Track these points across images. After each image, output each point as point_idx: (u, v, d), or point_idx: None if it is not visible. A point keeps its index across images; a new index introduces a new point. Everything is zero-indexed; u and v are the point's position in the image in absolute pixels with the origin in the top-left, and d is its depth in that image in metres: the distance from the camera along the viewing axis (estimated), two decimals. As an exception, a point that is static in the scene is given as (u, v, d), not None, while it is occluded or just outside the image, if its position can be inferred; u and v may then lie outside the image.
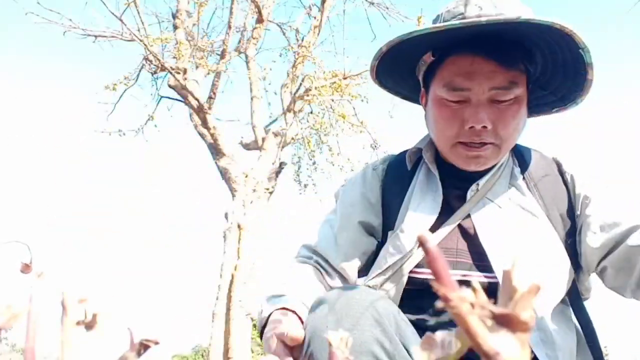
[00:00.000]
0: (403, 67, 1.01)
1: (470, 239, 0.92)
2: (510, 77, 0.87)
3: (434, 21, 0.95)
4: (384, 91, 1.10)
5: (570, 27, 0.81)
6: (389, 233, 1.00)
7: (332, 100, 5.61)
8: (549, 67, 0.96)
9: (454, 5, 0.92)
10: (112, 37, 5.68)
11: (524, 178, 0.98)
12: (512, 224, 0.92)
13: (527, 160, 1.01)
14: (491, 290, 0.88)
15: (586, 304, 0.96)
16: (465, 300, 0.19)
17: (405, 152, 1.08)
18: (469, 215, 0.95)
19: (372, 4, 6.63)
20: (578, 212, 0.95)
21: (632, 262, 0.85)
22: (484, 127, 0.87)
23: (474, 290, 0.19)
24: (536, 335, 0.83)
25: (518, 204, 0.95)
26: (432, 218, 0.94)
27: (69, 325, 0.25)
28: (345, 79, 5.53)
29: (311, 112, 6.29)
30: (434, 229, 0.94)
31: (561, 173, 0.99)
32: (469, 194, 0.96)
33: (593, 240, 0.90)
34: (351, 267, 1.01)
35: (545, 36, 0.86)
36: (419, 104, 1.06)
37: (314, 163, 6.73)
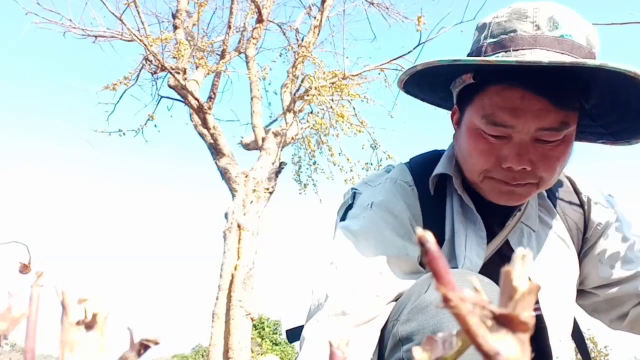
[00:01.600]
0: (435, 80, 0.90)
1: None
2: (563, 117, 0.76)
3: (480, 29, 0.85)
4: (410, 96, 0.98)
5: None
6: None
7: (332, 100, 5.61)
8: (606, 104, 0.85)
9: (505, 17, 0.80)
10: (112, 37, 5.68)
11: (548, 197, 0.95)
12: (547, 249, 0.91)
13: (555, 193, 0.97)
14: (537, 321, 0.88)
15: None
16: (466, 301, 0.19)
17: (417, 169, 0.96)
18: (506, 241, 0.91)
19: (372, 4, 6.62)
20: (588, 236, 0.94)
21: (624, 304, 0.90)
22: (524, 168, 0.78)
23: (474, 290, 0.19)
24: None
25: (549, 227, 0.93)
26: (482, 254, 0.88)
27: (69, 325, 0.25)
28: (345, 79, 5.53)
29: (311, 112, 6.30)
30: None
31: (577, 193, 0.97)
32: (510, 220, 0.90)
33: (600, 269, 0.92)
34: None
35: (612, 76, 0.74)
36: (446, 109, 0.98)
37: (314, 163, 6.74)
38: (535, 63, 0.70)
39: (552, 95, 0.74)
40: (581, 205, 0.96)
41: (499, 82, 0.77)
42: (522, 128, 0.76)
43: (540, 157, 0.78)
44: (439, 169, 0.92)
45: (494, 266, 0.85)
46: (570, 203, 0.96)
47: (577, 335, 0.95)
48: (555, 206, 0.95)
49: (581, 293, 0.97)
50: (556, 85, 0.74)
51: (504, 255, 0.89)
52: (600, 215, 0.94)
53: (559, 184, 0.98)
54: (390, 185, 0.93)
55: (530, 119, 0.75)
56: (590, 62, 0.71)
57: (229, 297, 4.85)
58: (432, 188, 0.92)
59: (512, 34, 0.78)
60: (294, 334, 1.00)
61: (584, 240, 0.95)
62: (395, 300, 0.80)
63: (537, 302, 0.84)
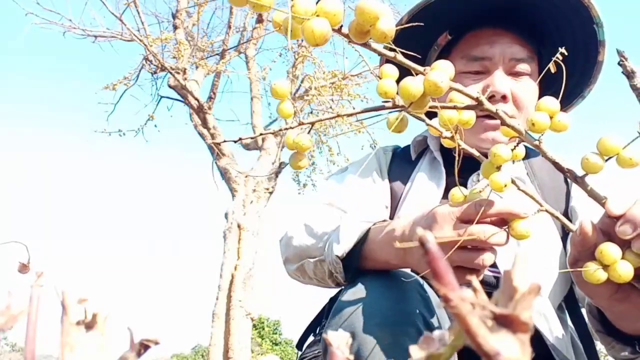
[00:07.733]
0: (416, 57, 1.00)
1: None
2: (528, 51, 0.90)
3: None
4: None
5: None
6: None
7: (332, 100, 5.61)
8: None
9: None
10: (112, 37, 5.68)
11: (524, 168, 0.97)
12: None
13: (529, 153, 0.99)
14: (497, 285, 0.89)
15: (583, 311, 0.96)
16: (466, 301, 0.19)
17: (411, 142, 1.06)
18: None
19: (372, 4, 6.61)
20: (569, 216, 0.94)
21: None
22: (504, 97, 0.87)
23: (474, 290, 0.19)
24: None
25: (520, 196, 0.93)
26: (438, 197, 0.92)
27: (69, 325, 0.25)
28: (345, 79, 5.53)
29: (311, 112, 6.29)
30: None
31: (565, 175, 0.98)
32: (470, 183, 0.93)
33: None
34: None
35: (560, 14, 0.90)
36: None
37: (313, 163, 6.73)
38: None
39: (518, 30, 0.90)
40: (566, 182, 0.97)
41: (472, 29, 0.91)
42: (498, 58, 0.89)
43: (516, 87, 0.89)
44: (420, 134, 1.05)
45: None
46: (554, 179, 0.97)
47: (578, 322, 0.93)
48: (534, 180, 0.96)
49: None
50: (519, 22, 0.90)
51: None
52: (577, 197, 0.94)
53: (543, 162, 0.98)
54: (368, 153, 1.09)
55: (505, 48, 0.89)
56: None
57: (229, 297, 4.85)
58: (414, 153, 1.03)
59: None
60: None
61: (569, 217, 0.94)
62: None
63: (496, 266, 0.83)
